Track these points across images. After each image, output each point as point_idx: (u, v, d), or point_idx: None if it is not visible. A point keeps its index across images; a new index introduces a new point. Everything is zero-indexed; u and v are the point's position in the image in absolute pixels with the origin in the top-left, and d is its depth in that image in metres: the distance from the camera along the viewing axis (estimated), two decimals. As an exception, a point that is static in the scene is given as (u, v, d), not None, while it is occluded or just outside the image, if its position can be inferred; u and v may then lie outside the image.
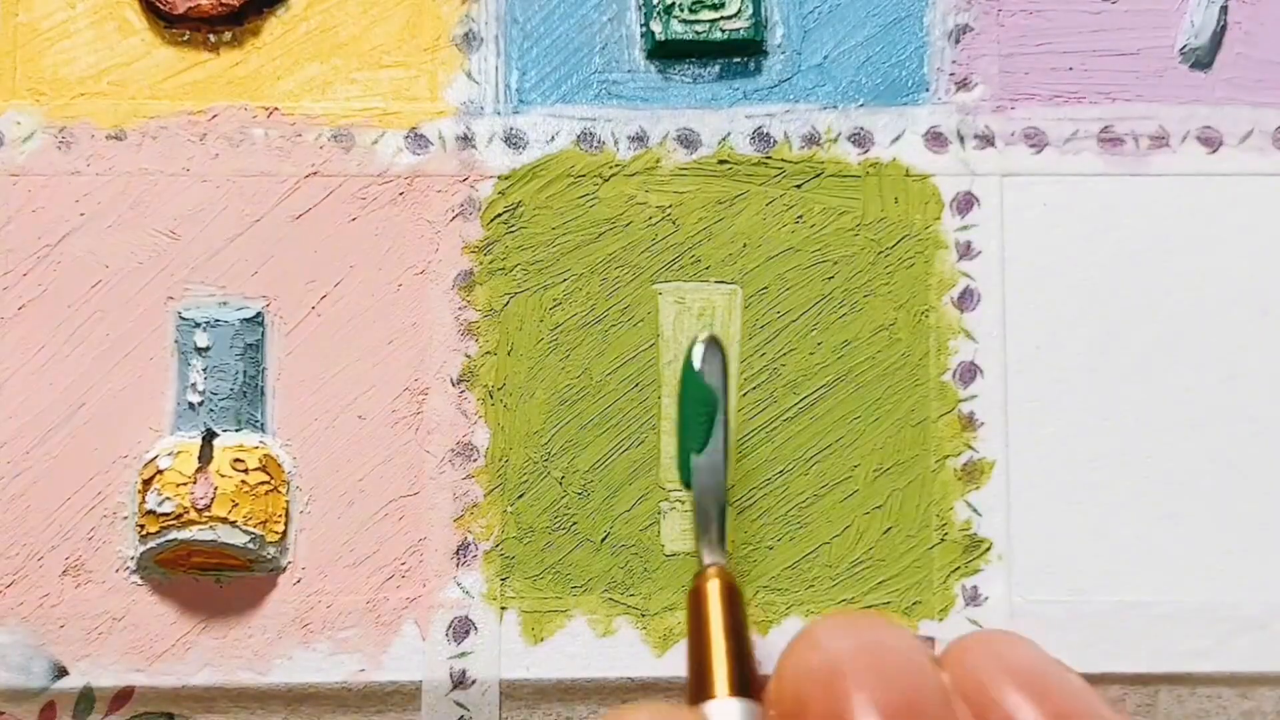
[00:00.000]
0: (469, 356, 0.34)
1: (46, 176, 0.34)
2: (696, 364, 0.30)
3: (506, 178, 0.34)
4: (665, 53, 0.35)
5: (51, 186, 0.34)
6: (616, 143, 0.34)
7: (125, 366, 0.33)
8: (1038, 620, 0.33)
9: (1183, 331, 0.34)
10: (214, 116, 0.34)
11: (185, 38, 0.35)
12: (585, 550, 0.33)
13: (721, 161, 0.34)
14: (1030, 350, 0.34)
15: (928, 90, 0.35)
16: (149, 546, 0.32)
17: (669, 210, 0.34)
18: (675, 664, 0.33)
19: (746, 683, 0.27)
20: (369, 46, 0.35)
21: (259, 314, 0.34)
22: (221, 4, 0.34)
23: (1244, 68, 0.35)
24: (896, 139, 0.35)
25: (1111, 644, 0.33)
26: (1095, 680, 0.33)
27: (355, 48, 0.35)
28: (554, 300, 0.34)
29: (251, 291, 0.34)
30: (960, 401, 0.34)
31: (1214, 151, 0.35)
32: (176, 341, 0.33)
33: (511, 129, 0.34)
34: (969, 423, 0.34)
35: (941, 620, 0.33)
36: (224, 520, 0.32)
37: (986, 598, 0.33)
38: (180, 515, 0.32)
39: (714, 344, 0.30)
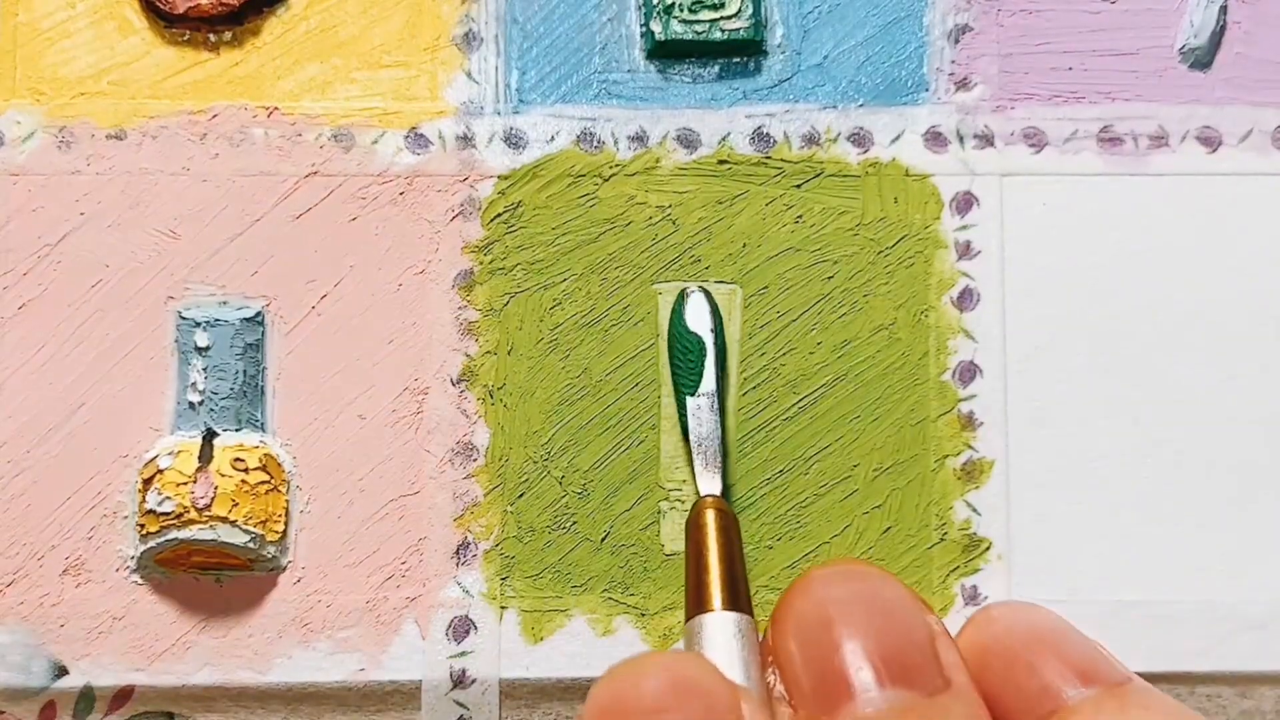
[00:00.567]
0: (469, 356, 0.34)
1: (46, 176, 0.34)
2: (685, 315, 0.33)
3: (506, 178, 0.34)
4: (665, 53, 0.35)
5: (51, 186, 0.34)
6: (616, 143, 0.34)
7: (125, 366, 0.33)
8: (1037, 620, 0.33)
9: (1182, 331, 0.34)
10: (214, 116, 0.34)
11: (185, 37, 0.35)
12: (585, 550, 0.33)
13: (721, 161, 0.34)
14: (1030, 350, 0.34)
15: (927, 90, 0.35)
16: (149, 546, 0.32)
17: (669, 210, 0.34)
18: (675, 664, 0.33)
19: (739, 600, 0.29)
20: (369, 46, 0.35)
21: (259, 314, 0.34)
22: (221, 4, 0.34)
23: (1243, 68, 0.35)
24: (896, 139, 0.35)
25: (1111, 644, 0.33)
26: (1095, 680, 0.33)
27: (355, 47, 0.35)
28: (554, 300, 0.34)
29: (251, 291, 0.34)
30: (960, 401, 0.34)
31: (1213, 151, 0.35)
32: (176, 341, 0.33)
33: (511, 129, 0.34)
34: (969, 422, 0.34)
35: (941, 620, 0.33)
36: (224, 520, 0.32)
37: (986, 597, 0.33)
38: (180, 515, 0.32)
39: (700, 294, 0.33)
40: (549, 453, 0.33)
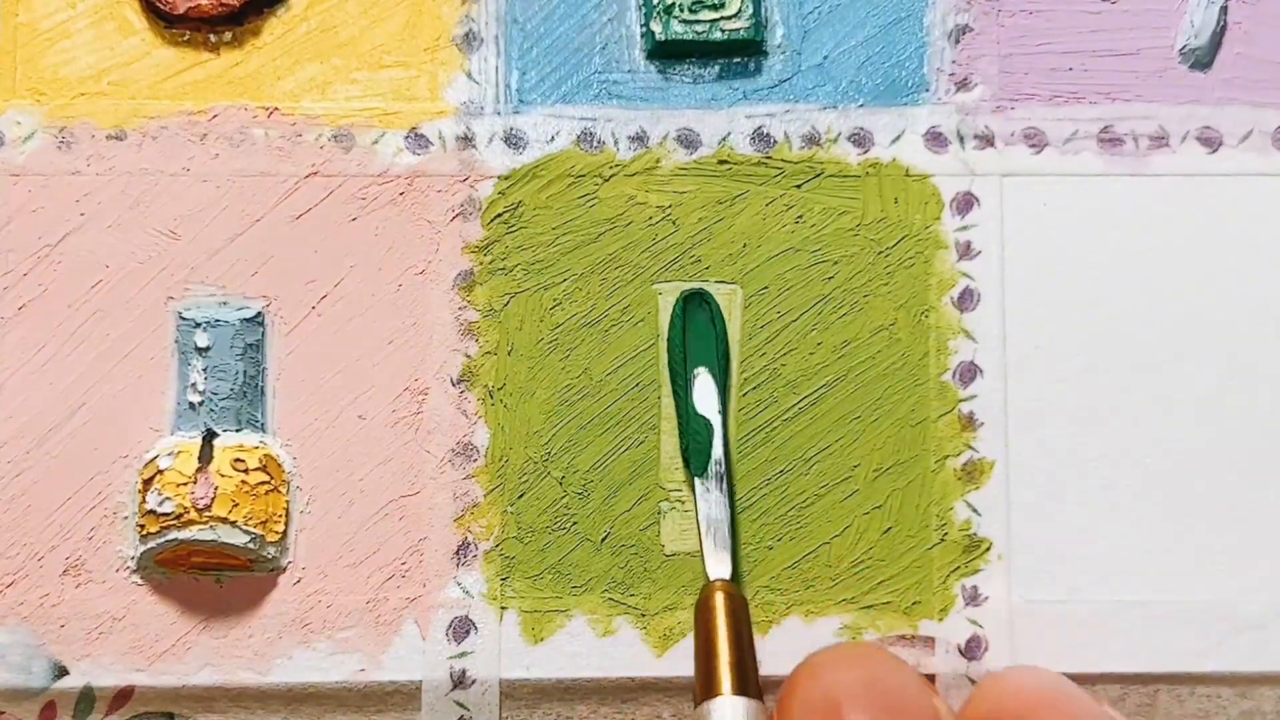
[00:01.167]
0: (469, 356, 0.34)
1: (46, 176, 0.34)
2: (693, 398, 0.33)
3: (506, 178, 0.34)
4: (665, 53, 0.35)
5: (51, 186, 0.34)
6: (616, 143, 0.34)
7: (125, 366, 0.33)
8: (1038, 620, 0.33)
9: (1182, 331, 0.34)
10: (214, 116, 0.34)
11: (185, 38, 0.35)
12: (585, 550, 0.33)
13: (721, 161, 0.34)
14: (1030, 350, 0.34)
15: (928, 90, 0.35)
16: (149, 546, 0.32)
17: (669, 210, 0.34)
18: (675, 664, 0.33)
19: (748, 684, 0.30)
20: (369, 46, 0.35)
21: (259, 314, 0.34)
22: (221, 4, 0.34)
23: (1244, 68, 0.35)
24: (896, 139, 0.35)
25: (1111, 644, 0.33)
26: (1095, 680, 0.33)
27: (355, 48, 0.35)
28: (554, 300, 0.34)
29: (251, 291, 0.34)
30: (960, 401, 0.34)
31: (1214, 151, 0.35)
32: (176, 341, 0.33)
33: (511, 129, 0.34)
34: (969, 423, 0.34)
35: (941, 620, 0.33)
36: (224, 520, 0.32)
37: (986, 598, 0.33)
38: (180, 515, 0.32)
39: (707, 374, 0.33)
40: (549, 453, 0.33)
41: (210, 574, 0.33)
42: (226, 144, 0.34)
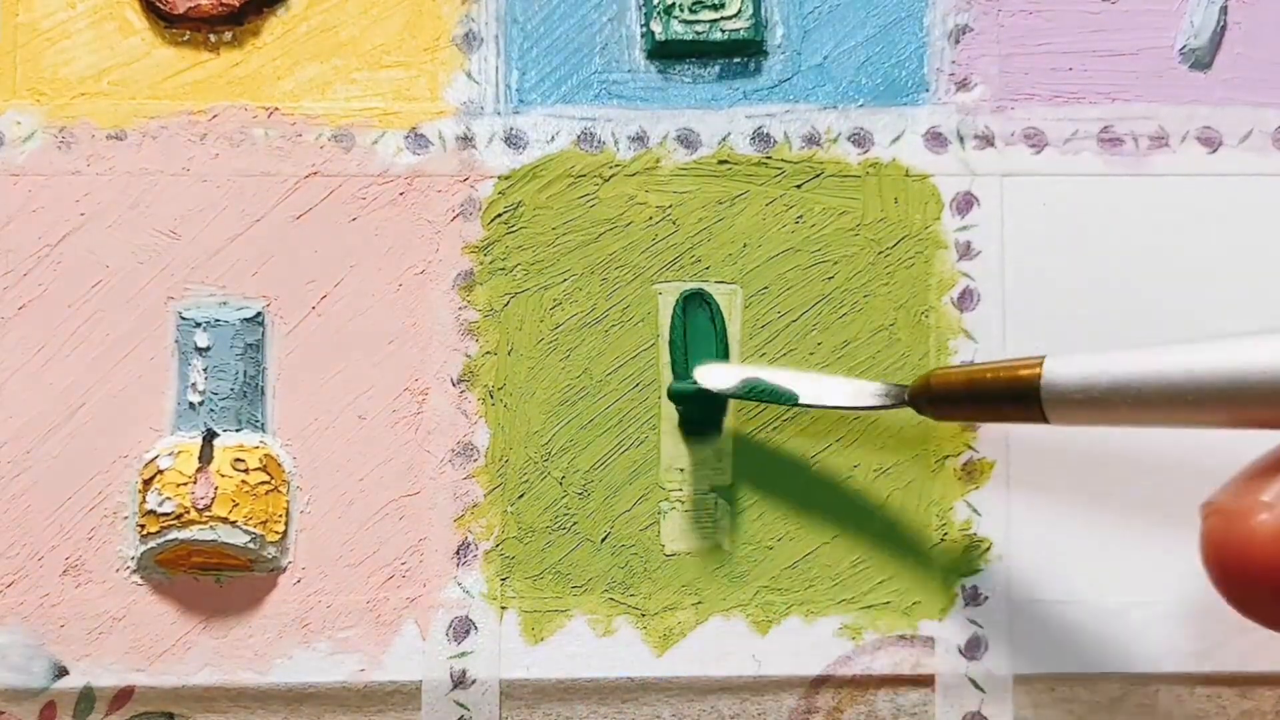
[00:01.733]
0: (469, 356, 0.34)
1: (46, 176, 0.34)
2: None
3: (506, 178, 0.34)
4: (665, 53, 0.35)
5: (51, 186, 0.34)
6: (616, 143, 0.34)
7: (125, 366, 0.33)
8: (1038, 620, 0.33)
9: (1182, 331, 0.34)
10: (214, 116, 0.34)
11: (185, 38, 0.35)
12: (585, 550, 0.33)
13: (721, 161, 0.34)
14: (1030, 350, 0.34)
15: (928, 90, 0.35)
16: (149, 546, 0.32)
17: (669, 210, 0.34)
18: (675, 664, 0.33)
19: None
20: (369, 46, 0.35)
21: (259, 314, 0.34)
22: (221, 4, 0.34)
23: (1244, 68, 0.35)
24: (896, 139, 0.35)
25: (1111, 644, 0.33)
26: (1095, 680, 0.33)
27: (355, 48, 0.35)
28: (554, 300, 0.34)
29: (251, 291, 0.34)
30: (960, 401, 0.34)
31: (1214, 152, 0.35)
32: (177, 341, 0.33)
33: (511, 129, 0.34)
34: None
35: (941, 620, 0.33)
36: (224, 520, 0.32)
37: (986, 598, 0.33)
38: (180, 515, 0.32)
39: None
40: (549, 453, 0.33)
41: (210, 574, 0.33)
42: (226, 144, 0.34)
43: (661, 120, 0.35)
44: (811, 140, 0.35)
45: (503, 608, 0.33)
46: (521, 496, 0.33)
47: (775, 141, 0.34)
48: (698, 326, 0.33)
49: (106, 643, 0.33)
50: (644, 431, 0.34)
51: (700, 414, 0.33)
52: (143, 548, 0.32)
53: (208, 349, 0.33)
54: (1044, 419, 0.28)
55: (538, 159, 0.34)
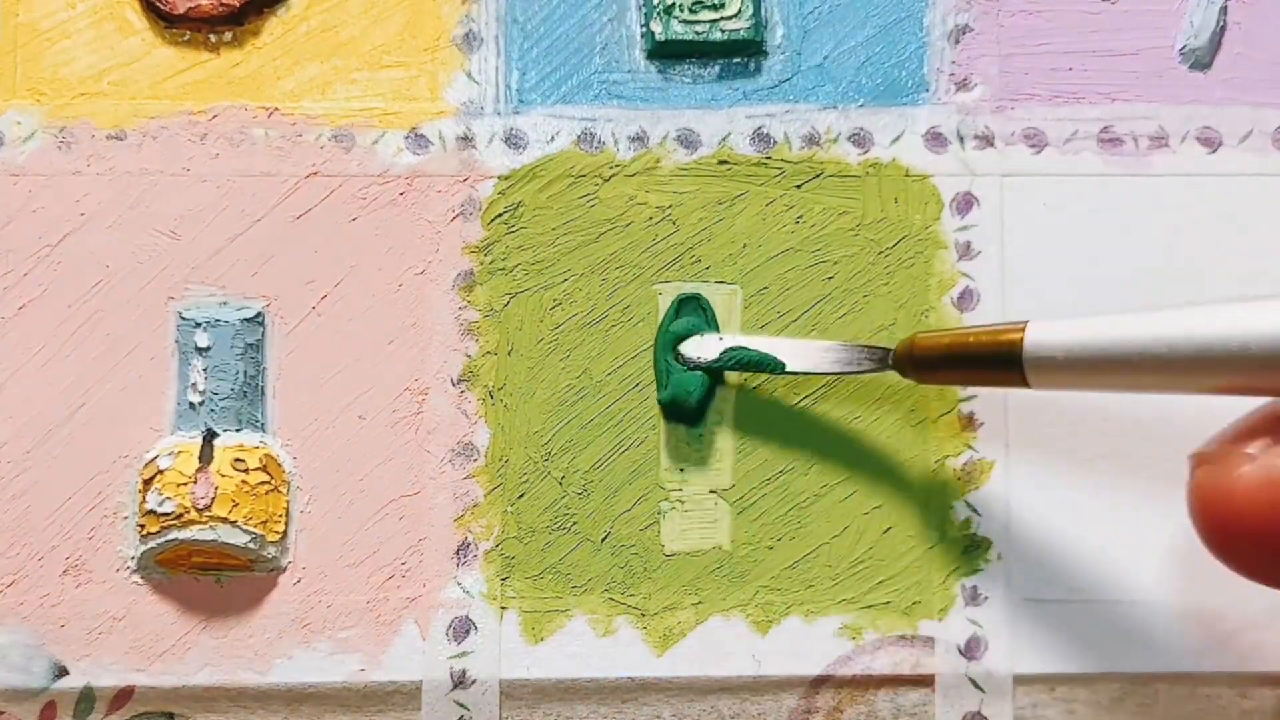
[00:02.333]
0: (469, 356, 0.34)
1: (46, 176, 0.34)
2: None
3: (506, 178, 0.34)
4: (665, 53, 0.35)
5: (51, 186, 0.34)
6: (616, 143, 0.34)
7: (125, 366, 0.33)
8: (1038, 620, 0.33)
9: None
10: (214, 116, 0.34)
11: (185, 38, 0.35)
12: (585, 550, 0.33)
13: (721, 162, 0.34)
14: (1030, 350, 0.34)
15: (927, 90, 0.35)
16: (149, 546, 0.32)
17: (669, 210, 0.34)
18: (675, 664, 0.33)
19: None
20: (369, 46, 0.35)
21: (259, 314, 0.34)
22: (221, 4, 0.34)
23: (1244, 68, 0.35)
24: (896, 139, 0.35)
25: (1111, 644, 0.33)
26: (1095, 680, 0.33)
27: (355, 48, 0.35)
28: (554, 300, 0.34)
29: (251, 291, 0.34)
30: (960, 401, 0.34)
31: (1214, 152, 0.35)
32: (177, 341, 0.33)
33: (511, 129, 0.34)
34: (969, 423, 0.34)
35: (941, 620, 0.33)
36: (224, 520, 0.32)
37: (986, 598, 0.33)
38: (181, 515, 0.32)
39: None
40: (549, 453, 0.33)
41: (210, 574, 0.33)
42: (226, 144, 0.34)
43: (661, 120, 0.35)
44: (811, 140, 0.35)
45: (503, 608, 0.33)
46: (521, 496, 0.33)
47: (775, 141, 0.34)
48: (693, 330, 0.33)
49: (106, 643, 0.33)
50: (644, 431, 0.34)
51: (695, 414, 0.33)
52: (143, 548, 0.32)
53: (208, 349, 0.33)
54: (1025, 383, 0.28)
55: (538, 159, 0.34)
